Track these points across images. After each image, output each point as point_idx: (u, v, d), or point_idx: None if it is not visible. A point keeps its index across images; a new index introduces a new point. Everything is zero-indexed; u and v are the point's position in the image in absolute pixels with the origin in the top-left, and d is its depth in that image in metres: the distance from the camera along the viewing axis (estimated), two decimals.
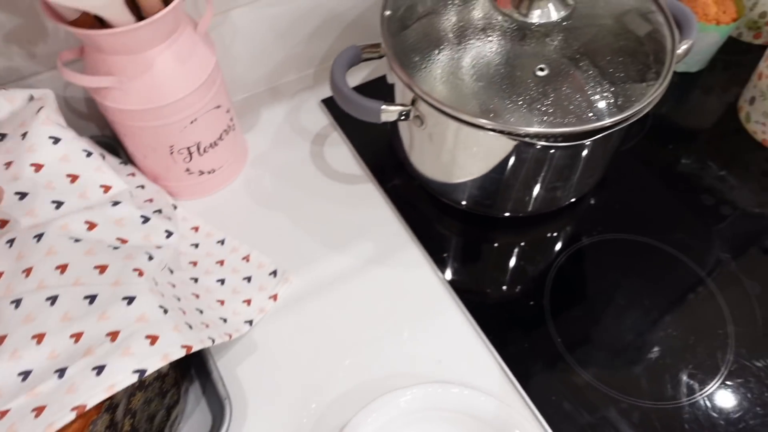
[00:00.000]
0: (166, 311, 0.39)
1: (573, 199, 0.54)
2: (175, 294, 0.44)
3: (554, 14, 0.46)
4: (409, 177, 0.56)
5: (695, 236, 0.53)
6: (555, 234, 0.54)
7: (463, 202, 0.53)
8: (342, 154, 0.60)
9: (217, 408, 0.42)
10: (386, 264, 0.52)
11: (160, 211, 0.49)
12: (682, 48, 0.49)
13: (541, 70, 0.43)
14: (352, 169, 0.59)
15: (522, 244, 0.54)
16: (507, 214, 0.54)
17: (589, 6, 0.47)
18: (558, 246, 0.53)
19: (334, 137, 0.61)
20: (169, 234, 0.47)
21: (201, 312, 0.45)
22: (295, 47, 0.63)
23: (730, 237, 0.53)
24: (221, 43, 0.57)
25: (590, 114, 0.42)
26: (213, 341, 0.41)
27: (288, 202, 0.56)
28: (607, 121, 0.41)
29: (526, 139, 0.42)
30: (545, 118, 0.42)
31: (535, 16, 0.46)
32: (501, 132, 0.42)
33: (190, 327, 0.40)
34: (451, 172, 0.50)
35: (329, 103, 0.63)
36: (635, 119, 0.43)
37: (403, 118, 0.47)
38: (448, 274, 0.51)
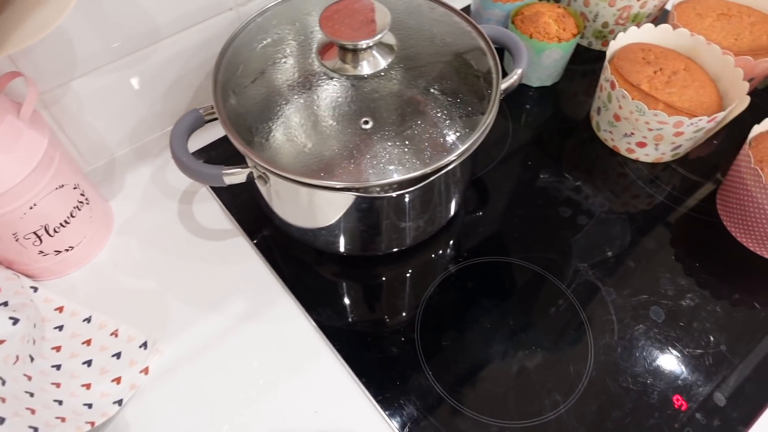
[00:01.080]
0: (2, 421, 0.37)
1: (435, 232, 0.55)
2: (28, 389, 0.43)
3: (382, 62, 0.47)
4: (277, 228, 0.57)
5: (554, 250, 0.56)
6: (425, 266, 0.55)
7: (332, 246, 0.54)
8: (211, 210, 0.60)
9: None
10: (260, 319, 0.52)
11: (5, 303, 0.47)
12: (513, 77, 0.51)
13: (366, 123, 0.44)
14: (222, 224, 0.59)
15: (393, 280, 0.55)
16: (379, 253, 0.55)
17: (415, 49, 0.49)
18: (428, 277, 0.54)
19: (202, 193, 0.61)
20: (15, 321, 0.45)
21: (60, 403, 0.44)
22: (154, 105, 0.62)
23: (586, 246, 0.56)
24: (68, 114, 0.56)
25: (414, 161, 0.43)
26: None
27: (157, 268, 0.55)
28: (428, 169, 0.42)
29: (359, 193, 0.43)
30: (372, 170, 0.43)
31: (365, 68, 0.47)
32: (332, 189, 0.42)
33: (35, 430, 0.39)
34: (308, 221, 0.51)
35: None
36: (464, 157, 0.44)
37: (249, 179, 0.47)
38: (321, 321, 0.52)
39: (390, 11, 0.47)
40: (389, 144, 0.44)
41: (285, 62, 0.48)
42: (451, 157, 0.43)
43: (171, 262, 0.56)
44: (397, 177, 0.42)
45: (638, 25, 0.63)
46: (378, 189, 0.43)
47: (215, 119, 0.50)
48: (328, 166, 0.43)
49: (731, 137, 0.65)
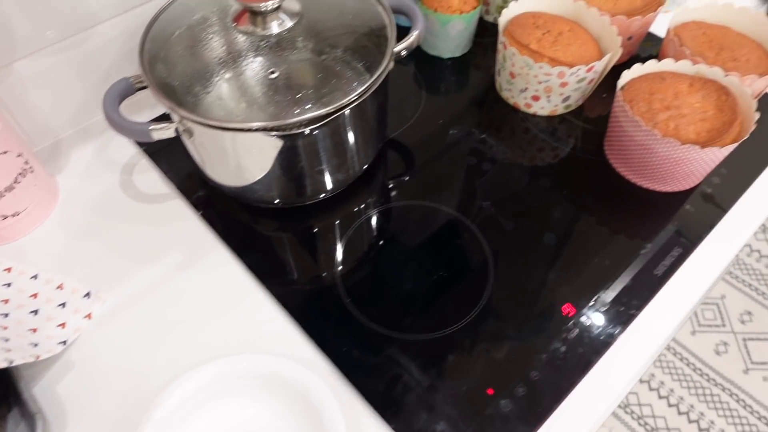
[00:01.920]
0: None
1: (354, 179, 0.62)
2: None
3: (288, 23, 0.53)
4: (211, 187, 0.62)
5: (462, 192, 0.63)
6: (347, 213, 0.61)
7: (258, 196, 0.59)
8: (151, 179, 0.65)
9: (32, 426, 0.46)
10: (194, 267, 0.57)
11: None
12: (411, 38, 0.58)
13: (272, 73, 0.50)
14: (161, 189, 0.64)
15: (319, 227, 0.61)
16: (306, 203, 0.61)
17: (318, 12, 0.55)
18: (349, 222, 0.61)
19: (143, 164, 0.66)
20: None
21: (6, 340, 0.48)
22: (95, 87, 0.67)
23: (489, 187, 0.63)
24: (12, 95, 0.61)
25: (318, 102, 0.49)
26: (11, 362, 0.45)
27: (101, 231, 0.60)
28: (331, 108, 0.49)
29: (272, 133, 0.49)
30: (282, 113, 0.49)
31: (273, 28, 0.53)
32: (246, 130, 0.48)
33: None
34: (231, 171, 0.56)
35: None
36: (363, 97, 0.51)
37: (176, 134, 0.53)
38: (251, 264, 0.57)
39: None
40: (294, 89, 0.50)
41: (205, 31, 0.54)
42: (351, 97, 0.50)
43: (114, 224, 0.61)
44: (304, 115, 0.48)
45: None
46: (289, 126, 0.49)
47: (145, 87, 0.56)
48: (243, 113, 0.49)
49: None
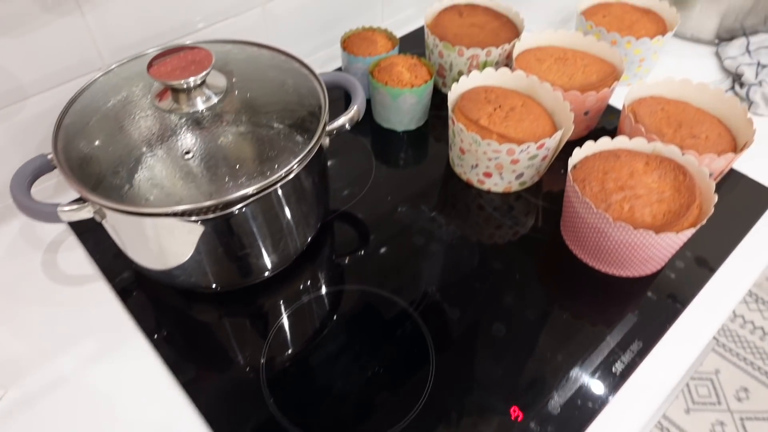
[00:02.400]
0: None
1: (299, 253, 0.57)
2: None
3: (213, 99, 0.51)
4: (135, 269, 0.58)
5: (407, 276, 0.58)
6: (280, 297, 0.57)
7: (179, 281, 0.55)
8: (76, 258, 0.61)
9: None
10: (107, 359, 0.52)
11: None
12: (351, 112, 0.56)
13: (187, 153, 0.47)
14: (85, 270, 0.60)
15: (246, 313, 0.56)
16: (246, 284, 0.56)
17: (248, 88, 0.53)
18: (280, 308, 0.56)
19: (69, 242, 0.62)
20: None
21: None
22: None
23: (436, 270, 0.58)
24: None
25: (234, 184, 0.46)
26: None
27: (10, 317, 0.55)
28: (250, 189, 0.45)
29: (182, 217, 0.45)
30: (195, 195, 0.45)
31: (199, 104, 0.50)
32: (153, 215, 0.45)
33: None
34: (150, 257, 0.52)
35: None
36: (287, 177, 0.47)
37: (92, 215, 0.49)
38: (168, 357, 0.52)
39: (228, 60, 0.52)
40: (216, 169, 0.47)
41: (126, 108, 0.51)
42: (275, 177, 0.46)
43: (26, 309, 0.56)
44: (223, 198, 0.45)
45: (480, 71, 0.69)
46: (207, 208, 0.45)
47: None
48: (161, 195, 0.45)
49: None
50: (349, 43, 0.75)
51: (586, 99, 0.66)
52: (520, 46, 0.73)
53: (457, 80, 0.76)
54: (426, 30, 0.76)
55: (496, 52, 0.73)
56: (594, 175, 0.57)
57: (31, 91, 0.60)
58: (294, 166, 0.48)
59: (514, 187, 0.66)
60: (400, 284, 0.57)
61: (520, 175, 0.64)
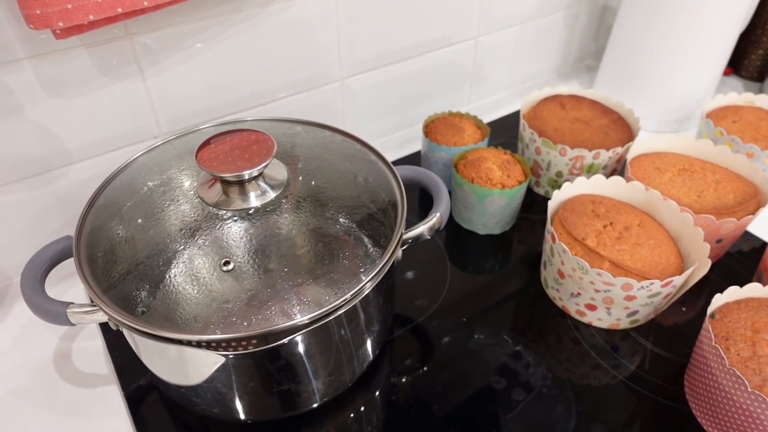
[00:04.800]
0: None
1: (350, 383, 0.46)
2: None
3: (270, 194, 0.42)
4: (152, 379, 0.48)
5: (481, 429, 0.45)
6: (324, 429, 0.46)
7: (201, 409, 0.45)
8: (93, 350, 0.52)
9: None
10: None
11: None
12: (432, 220, 0.46)
13: (226, 264, 0.38)
14: (99, 368, 0.51)
15: None
16: (280, 417, 0.45)
17: (309, 180, 0.44)
18: None
19: (90, 330, 0.54)
20: None
21: None
22: (62, 228, 0.58)
23: (520, 429, 0.46)
24: None
25: (286, 306, 0.36)
26: None
27: (8, 419, 0.47)
28: (303, 319, 0.35)
29: (212, 350, 0.35)
30: (236, 319, 0.35)
31: (253, 200, 0.42)
32: (183, 343, 0.35)
33: None
34: (170, 376, 0.42)
35: None
36: (342, 311, 0.37)
37: (103, 320, 0.40)
38: None
39: (296, 144, 0.43)
40: (254, 289, 0.37)
41: (166, 197, 0.43)
42: (335, 304, 0.36)
43: (25, 413, 0.47)
44: (260, 329, 0.35)
45: (587, 177, 0.58)
46: (247, 339, 0.35)
47: None
48: (190, 316, 0.36)
49: (701, 304, 0.56)
50: (432, 128, 0.66)
51: (722, 226, 0.53)
52: (634, 150, 0.62)
53: (556, 183, 0.65)
54: (522, 121, 0.66)
55: (605, 156, 0.61)
56: (740, 333, 0.44)
57: (77, 156, 0.54)
58: (360, 287, 0.38)
59: (623, 324, 0.53)
60: None
61: (634, 313, 0.51)
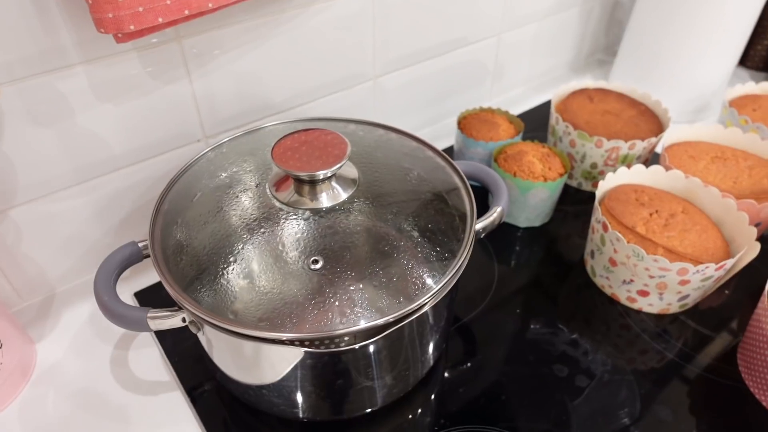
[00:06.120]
0: None
1: (408, 390, 0.46)
2: None
3: (342, 195, 0.42)
4: (221, 384, 0.48)
5: (550, 419, 0.46)
6: (394, 426, 0.46)
7: (280, 409, 0.45)
8: (150, 358, 0.51)
9: None
10: None
11: None
12: (493, 215, 0.46)
13: (315, 263, 0.38)
14: (159, 375, 0.50)
15: None
16: (341, 417, 0.45)
17: (381, 182, 0.44)
18: None
19: (143, 338, 0.53)
20: None
21: None
22: (106, 236, 0.57)
23: (588, 415, 0.47)
24: (1, 246, 0.50)
25: (373, 308, 0.36)
26: None
27: (69, 430, 0.46)
28: (389, 317, 0.35)
29: (305, 347, 0.35)
30: (324, 319, 0.36)
31: (323, 201, 0.42)
32: (273, 341, 0.35)
33: None
34: (248, 378, 0.42)
35: (144, 296, 0.56)
36: (429, 306, 0.38)
37: (183, 323, 0.40)
38: None
39: (353, 142, 0.43)
40: (343, 287, 0.37)
41: (235, 195, 0.43)
42: (415, 304, 0.36)
43: (88, 422, 0.46)
44: (351, 327, 0.35)
45: (629, 166, 0.59)
46: (327, 341, 0.35)
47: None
48: (270, 312, 0.36)
49: (743, 286, 0.58)
50: (466, 124, 0.67)
51: (762, 210, 0.55)
52: (667, 139, 0.64)
53: (590, 175, 0.67)
54: (555, 115, 0.67)
55: (640, 146, 0.63)
56: None
57: (123, 162, 0.54)
58: (447, 281, 0.38)
59: (673, 309, 0.55)
60: (543, 429, 0.45)
61: (684, 297, 0.53)
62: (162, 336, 0.52)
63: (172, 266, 0.40)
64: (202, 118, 0.56)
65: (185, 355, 0.51)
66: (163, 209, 0.44)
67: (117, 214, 0.56)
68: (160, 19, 0.40)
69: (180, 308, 0.39)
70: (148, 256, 0.44)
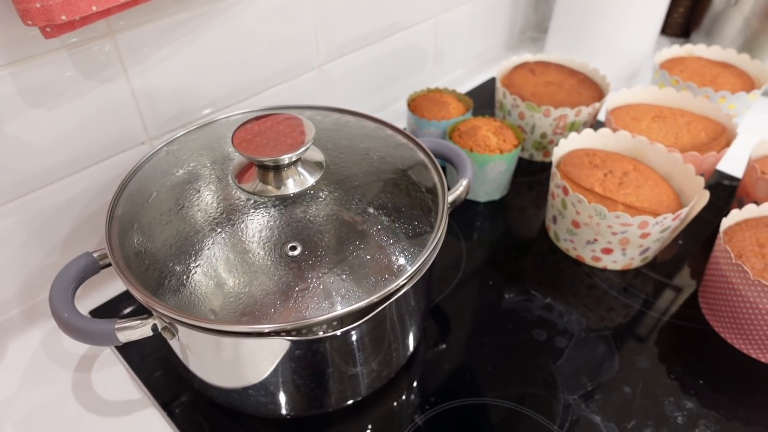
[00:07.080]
0: None
1: (394, 374, 0.46)
2: None
3: (309, 179, 0.41)
4: (198, 392, 0.46)
5: (536, 382, 0.47)
6: (386, 419, 0.45)
7: (266, 409, 0.43)
8: (116, 377, 0.48)
9: None
10: None
11: None
12: (460, 188, 0.46)
13: (293, 249, 0.36)
14: (129, 393, 0.47)
15: None
16: (329, 410, 0.44)
17: (348, 164, 0.43)
18: None
19: (106, 357, 0.50)
20: None
21: None
22: (50, 256, 0.52)
23: (572, 373, 0.47)
24: None
25: (357, 289, 0.35)
26: None
27: None
28: (375, 297, 0.34)
29: (291, 337, 0.34)
30: (307, 306, 0.34)
31: (290, 187, 0.40)
32: (254, 334, 0.33)
33: None
34: (231, 379, 0.40)
35: (101, 313, 0.53)
36: (415, 280, 0.37)
37: (153, 332, 0.37)
38: None
39: (315, 126, 0.42)
40: (324, 272, 0.36)
41: (196, 191, 0.41)
42: (400, 281, 0.36)
43: None
44: (337, 311, 0.34)
45: (578, 132, 0.61)
46: (314, 328, 0.34)
47: (110, 265, 0.42)
48: (250, 306, 0.34)
49: (692, 235, 0.61)
50: (417, 105, 0.67)
51: (704, 160, 0.58)
52: (610, 103, 0.66)
53: (540, 145, 0.68)
54: (501, 89, 0.68)
55: (585, 112, 0.65)
56: (749, 250, 0.48)
57: (62, 172, 0.50)
58: (423, 261, 0.38)
59: (636, 263, 0.57)
60: (532, 393, 0.46)
61: (645, 250, 0.55)
62: (126, 352, 0.49)
63: (137, 272, 0.37)
64: (145, 119, 0.53)
65: (155, 369, 0.48)
66: (116, 215, 0.41)
67: (60, 230, 0.52)
68: (94, 8, 0.37)
69: (149, 315, 0.37)
70: (106, 266, 0.41)
